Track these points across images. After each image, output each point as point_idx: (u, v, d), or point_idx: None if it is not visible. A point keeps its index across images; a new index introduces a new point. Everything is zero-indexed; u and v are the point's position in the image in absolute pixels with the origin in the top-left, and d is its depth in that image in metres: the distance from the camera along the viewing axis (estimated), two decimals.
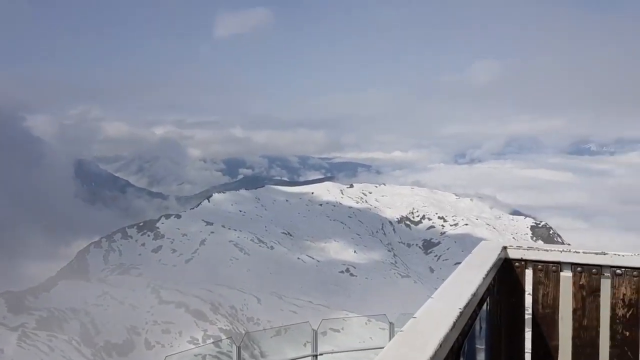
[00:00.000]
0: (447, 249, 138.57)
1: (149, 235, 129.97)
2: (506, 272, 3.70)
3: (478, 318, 2.74)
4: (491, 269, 3.21)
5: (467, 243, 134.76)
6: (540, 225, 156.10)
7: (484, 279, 2.93)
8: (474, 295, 2.60)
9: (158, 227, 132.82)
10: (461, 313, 2.28)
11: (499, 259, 3.52)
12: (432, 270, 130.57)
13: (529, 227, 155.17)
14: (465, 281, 2.84)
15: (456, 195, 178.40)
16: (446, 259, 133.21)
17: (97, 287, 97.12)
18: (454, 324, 2.15)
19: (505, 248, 3.74)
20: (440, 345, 1.93)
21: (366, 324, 67.26)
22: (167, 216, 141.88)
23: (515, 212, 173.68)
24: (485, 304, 3.04)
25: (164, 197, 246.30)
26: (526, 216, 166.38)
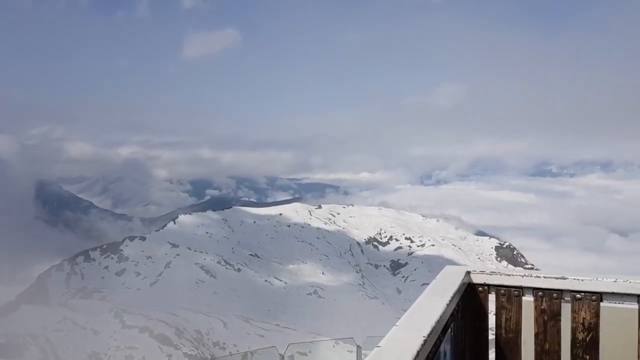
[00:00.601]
0: (414, 270, 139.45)
1: (112, 258, 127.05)
2: (470, 297, 3.76)
3: (442, 344, 2.80)
4: (455, 294, 3.28)
5: (434, 263, 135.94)
6: (504, 246, 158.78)
7: (447, 305, 3.00)
8: (438, 322, 2.66)
9: (122, 250, 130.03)
10: (425, 341, 2.34)
11: (462, 284, 3.58)
12: (399, 292, 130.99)
13: (494, 247, 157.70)
14: (430, 308, 2.90)
15: (423, 216, 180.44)
16: (413, 280, 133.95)
17: (58, 311, 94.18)
18: (418, 352, 2.20)
19: (468, 273, 3.80)
20: None
21: (334, 346, 66.89)
22: (132, 238, 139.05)
23: (480, 233, 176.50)
24: (449, 329, 3.09)
25: (129, 218, 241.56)
26: (490, 237, 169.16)
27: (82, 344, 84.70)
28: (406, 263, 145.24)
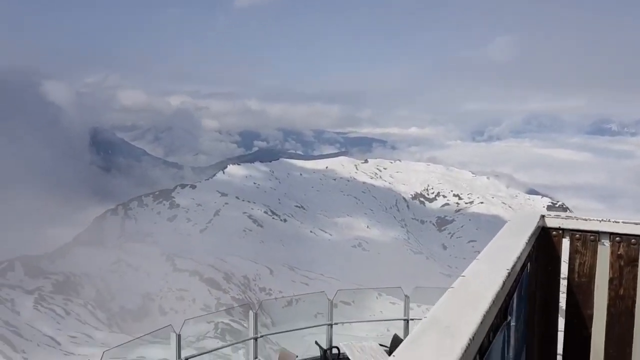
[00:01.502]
0: (461, 227, 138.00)
1: (164, 204, 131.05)
2: (543, 240, 3.70)
3: (520, 281, 2.76)
4: (531, 236, 3.17)
5: (482, 221, 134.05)
6: (557, 205, 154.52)
7: (526, 243, 2.89)
8: (519, 258, 2.59)
9: (173, 197, 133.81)
10: (509, 274, 2.28)
11: (537, 227, 3.51)
12: (445, 248, 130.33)
13: (546, 206, 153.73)
14: (508, 246, 2.81)
15: (472, 173, 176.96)
16: (459, 237, 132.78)
17: (112, 253, 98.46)
18: (504, 283, 2.16)
19: (543, 216, 3.73)
20: (493, 303, 1.93)
21: (377, 298, 67.45)
22: (183, 186, 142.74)
23: (532, 192, 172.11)
24: (525, 269, 3.03)
25: (180, 167, 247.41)
26: (543, 195, 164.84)
27: (136, 284, 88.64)
28: (453, 220, 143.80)
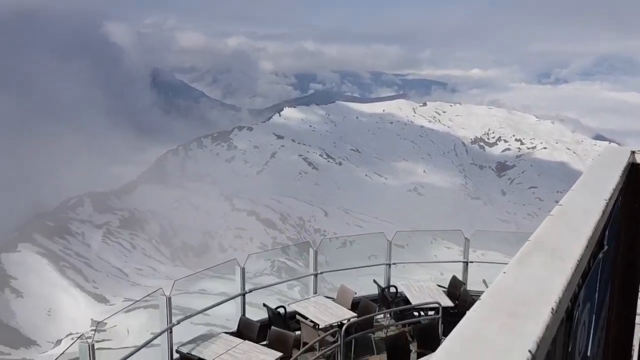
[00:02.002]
0: (522, 173, 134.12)
1: (222, 146, 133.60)
2: (632, 178, 3.41)
3: (613, 214, 2.55)
4: (623, 171, 2.95)
5: (544, 167, 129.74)
6: None
7: (619, 177, 2.73)
8: (614, 189, 2.45)
9: (231, 138, 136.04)
10: (607, 204, 2.17)
11: (628, 163, 3.24)
12: (504, 194, 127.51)
13: None
14: (601, 178, 2.69)
15: (536, 117, 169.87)
16: (520, 183, 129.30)
17: (174, 192, 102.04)
18: (603, 212, 2.06)
19: (633, 152, 3.41)
20: (594, 230, 1.84)
21: (432, 242, 67.26)
22: (240, 128, 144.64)
23: (599, 137, 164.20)
24: (617, 203, 2.80)
25: (237, 109, 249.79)
26: (610, 141, 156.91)
27: (196, 222, 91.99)
28: (513, 165, 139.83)
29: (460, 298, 11.27)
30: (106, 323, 40.07)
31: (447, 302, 10.80)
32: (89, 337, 8.37)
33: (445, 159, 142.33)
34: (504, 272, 1.44)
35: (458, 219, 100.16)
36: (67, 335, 54.40)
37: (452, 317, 10.72)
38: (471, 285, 12.29)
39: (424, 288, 11.46)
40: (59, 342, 53.81)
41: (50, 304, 60.55)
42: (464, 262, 12.58)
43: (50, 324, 58.01)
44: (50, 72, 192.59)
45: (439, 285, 11.78)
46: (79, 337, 8.93)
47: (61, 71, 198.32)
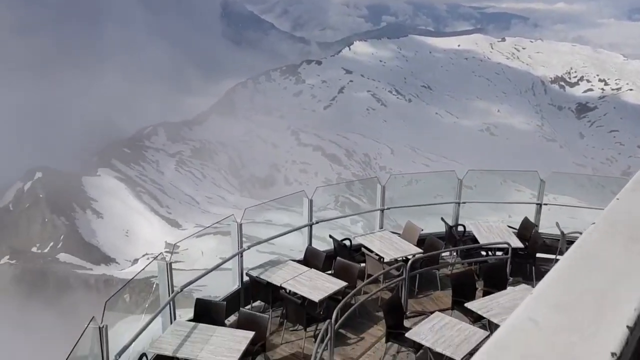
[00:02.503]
0: (604, 115, 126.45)
1: (290, 80, 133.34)
2: None
3: None
4: None
5: (629, 110, 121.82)
6: None
7: None
8: None
9: (299, 72, 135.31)
10: None
11: None
12: (582, 136, 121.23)
13: None
14: None
15: (624, 57, 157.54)
16: (600, 126, 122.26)
17: (243, 124, 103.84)
18: None
19: None
20: None
21: (501, 183, 65.55)
22: (309, 62, 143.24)
23: None
24: None
25: (306, 42, 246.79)
26: None
27: (264, 155, 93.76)
28: (595, 107, 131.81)
29: (531, 240, 11.00)
30: (179, 246, 42.36)
31: (517, 243, 10.57)
32: (166, 257, 8.83)
33: (521, 98, 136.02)
34: (617, 199, 1.40)
35: (531, 161, 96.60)
36: (143, 255, 58.08)
37: (520, 258, 10.52)
38: (543, 229, 11.93)
39: (493, 228, 11.24)
40: (135, 261, 57.62)
41: (128, 226, 64.42)
42: (537, 204, 12.18)
43: (127, 244, 61.93)
44: (121, 3, 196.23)
45: (509, 227, 11.51)
46: (155, 257, 9.44)
47: (133, 1, 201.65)
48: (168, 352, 7.48)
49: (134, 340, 7.26)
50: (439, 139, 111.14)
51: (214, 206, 73.85)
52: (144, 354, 7.53)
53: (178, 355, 7.47)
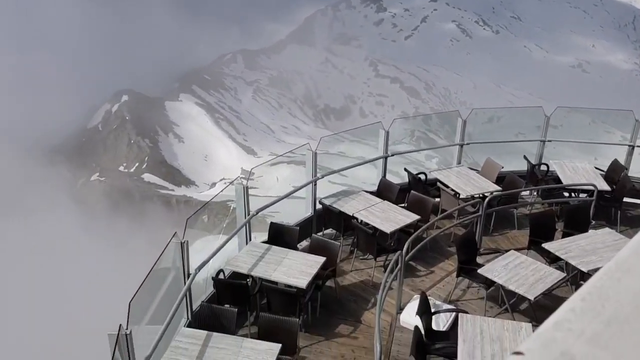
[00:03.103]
0: None
1: (371, 8, 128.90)
2: None
3: None
4: None
5: None
6: None
7: None
8: None
9: (381, 0, 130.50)
10: None
11: None
12: None
13: None
14: None
15: None
16: None
17: (320, 54, 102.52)
18: None
19: None
20: None
21: (589, 124, 61.78)
22: None
23: None
24: None
25: None
26: None
27: (340, 86, 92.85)
28: None
29: (619, 183, 10.39)
30: (254, 172, 43.52)
31: (603, 186, 10.04)
32: (243, 181, 9.09)
33: (620, 33, 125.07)
34: None
35: (626, 103, 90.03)
36: (220, 180, 60.30)
37: (606, 201, 10.01)
38: (633, 173, 11.24)
39: (578, 169, 10.69)
40: (213, 184, 59.98)
41: (206, 151, 66.69)
42: (629, 145, 11.42)
43: (206, 169, 64.36)
44: None
45: (596, 168, 10.91)
46: (232, 182, 9.74)
47: None
48: (243, 270, 7.82)
49: (212, 256, 7.64)
50: (526, 75, 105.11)
51: (288, 136, 74.73)
52: (221, 270, 7.93)
53: (252, 273, 7.80)
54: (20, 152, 55.39)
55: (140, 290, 6.07)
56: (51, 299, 34.02)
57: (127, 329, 5.54)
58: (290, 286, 7.46)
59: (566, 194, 10.79)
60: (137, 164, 60.80)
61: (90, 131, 66.25)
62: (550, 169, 11.01)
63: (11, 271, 36.61)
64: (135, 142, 63.00)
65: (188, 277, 7.20)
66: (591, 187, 9.74)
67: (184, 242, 7.15)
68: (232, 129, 72.53)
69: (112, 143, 63.62)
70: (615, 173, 10.73)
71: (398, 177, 11.65)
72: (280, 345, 6.37)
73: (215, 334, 6.55)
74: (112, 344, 5.48)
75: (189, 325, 7.15)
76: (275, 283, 7.62)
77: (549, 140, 11.50)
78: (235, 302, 7.56)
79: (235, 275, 8.03)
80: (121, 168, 60.48)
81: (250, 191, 9.00)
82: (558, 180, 10.45)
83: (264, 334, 6.74)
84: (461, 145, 11.27)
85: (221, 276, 7.85)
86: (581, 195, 10.37)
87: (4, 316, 31.05)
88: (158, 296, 7.13)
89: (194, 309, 7.42)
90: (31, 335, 29.97)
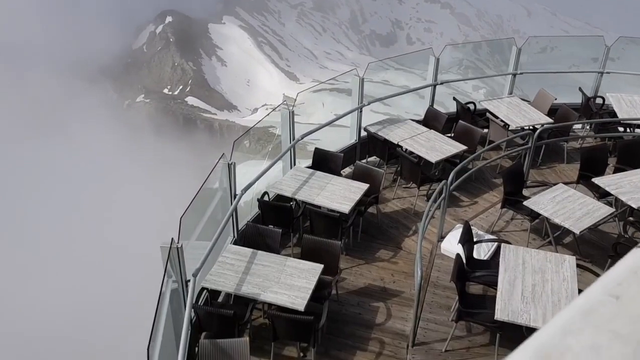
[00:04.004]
0: None
1: None
2: None
3: None
4: None
5: None
6: None
7: None
8: None
9: None
10: None
11: None
12: None
13: None
14: None
15: None
16: None
17: None
18: None
19: None
20: None
21: None
22: None
23: None
24: None
25: None
26: None
27: (387, 10, 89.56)
28: None
29: None
30: (296, 99, 43.31)
31: None
32: (289, 106, 9.07)
33: None
34: None
35: None
36: (262, 105, 60.41)
37: None
38: None
39: (637, 103, 10.22)
40: (255, 110, 60.20)
41: (249, 76, 66.48)
42: None
43: (248, 93, 64.41)
44: None
45: None
46: (275, 107, 9.73)
47: None
48: (287, 193, 7.97)
49: (258, 178, 7.79)
50: (585, 3, 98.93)
51: (332, 62, 73.50)
52: (265, 192, 8.10)
53: (296, 197, 7.95)
54: (66, 74, 56.38)
55: (189, 208, 6.29)
56: (96, 218, 35.29)
57: (178, 242, 5.80)
58: (333, 210, 7.58)
59: (621, 129, 10.39)
60: (180, 87, 61.29)
61: (136, 52, 66.62)
62: (606, 102, 10.56)
63: (57, 190, 37.98)
64: (180, 65, 63.19)
65: (234, 197, 7.38)
66: None
67: (232, 163, 7.29)
68: (274, 54, 71.68)
69: (156, 65, 64.00)
70: None
71: (444, 107, 11.41)
72: (322, 265, 6.56)
73: (260, 252, 6.78)
74: (165, 257, 5.76)
75: (235, 243, 7.43)
76: (319, 207, 7.75)
77: (607, 72, 10.95)
78: (279, 223, 7.76)
79: (280, 198, 8.20)
80: (165, 90, 61.13)
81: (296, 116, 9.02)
82: (613, 115, 10.05)
83: (306, 255, 6.94)
84: (514, 75, 10.87)
85: (266, 198, 8.03)
86: (637, 130, 9.96)
87: (50, 233, 32.42)
88: (206, 215, 7.39)
89: (239, 228, 7.67)
90: (76, 254, 31.24)
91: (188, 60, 63.80)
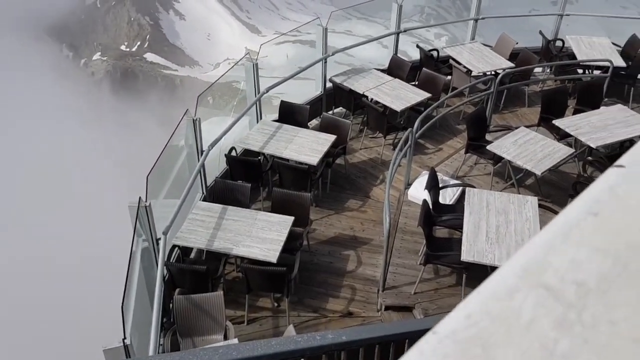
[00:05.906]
0: None
1: None
2: None
3: None
4: None
5: None
6: None
7: None
8: None
9: None
10: None
11: None
12: None
13: None
14: None
15: None
16: None
17: None
18: None
19: None
20: None
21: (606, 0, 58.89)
22: None
23: None
24: None
25: None
26: None
27: None
28: None
29: (636, 59, 10.16)
30: (259, 52, 42.47)
31: (619, 62, 9.81)
32: (252, 59, 8.91)
33: None
34: None
35: None
36: (224, 60, 59.05)
37: (620, 78, 9.85)
38: None
39: (595, 44, 10.39)
40: (217, 65, 58.85)
41: (209, 30, 64.59)
42: None
43: (209, 48, 62.74)
44: None
45: (613, 44, 10.59)
46: (238, 61, 9.55)
47: None
48: (255, 148, 7.94)
49: (224, 134, 7.72)
50: None
51: (293, 13, 71.84)
52: (233, 148, 8.05)
53: (264, 151, 7.93)
54: (13, 31, 53.67)
55: (155, 167, 6.22)
56: (56, 186, 33.96)
57: (146, 201, 5.76)
58: (301, 163, 7.61)
59: (580, 71, 10.59)
60: (138, 43, 59.26)
61: (90, 8, 63.83)
62: (566, 45, 10.70)
63: (15, 156, 36.59)
64: (136, 20, 60.90)
65: (201, 154, 7.33)
66: (606, 64, 9.53)
67: (197, 119, 7.19)
68: (234, 6, 69.62)
69: (112, 21, 61.55)
70: (632, 49, 10.43)
71: (407, 57, 11.39)
72: (293, 217, 6.63)
73: (230, 207, 6.80)
74: (133, 216, 5.73)
75: (204, 200, 7.42)
76: (287, 160, 7.77)
77: (567, 14, 11.06)
78: (248, 178, 7.76)
79: (247, 152, 8.17)
80: (122, 47, 59.06)
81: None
82: (573, 57, 10.21)
83: (277, 208, 6.99)
84: (475, 20, 10.88)
85: (233, 154, 7.99)
86: (596, 72, 10.17)
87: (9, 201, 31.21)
88: (173, 173, 7.32)
89: (208, 185, 7.65)
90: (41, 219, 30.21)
91: (144, 14, 61.52)
